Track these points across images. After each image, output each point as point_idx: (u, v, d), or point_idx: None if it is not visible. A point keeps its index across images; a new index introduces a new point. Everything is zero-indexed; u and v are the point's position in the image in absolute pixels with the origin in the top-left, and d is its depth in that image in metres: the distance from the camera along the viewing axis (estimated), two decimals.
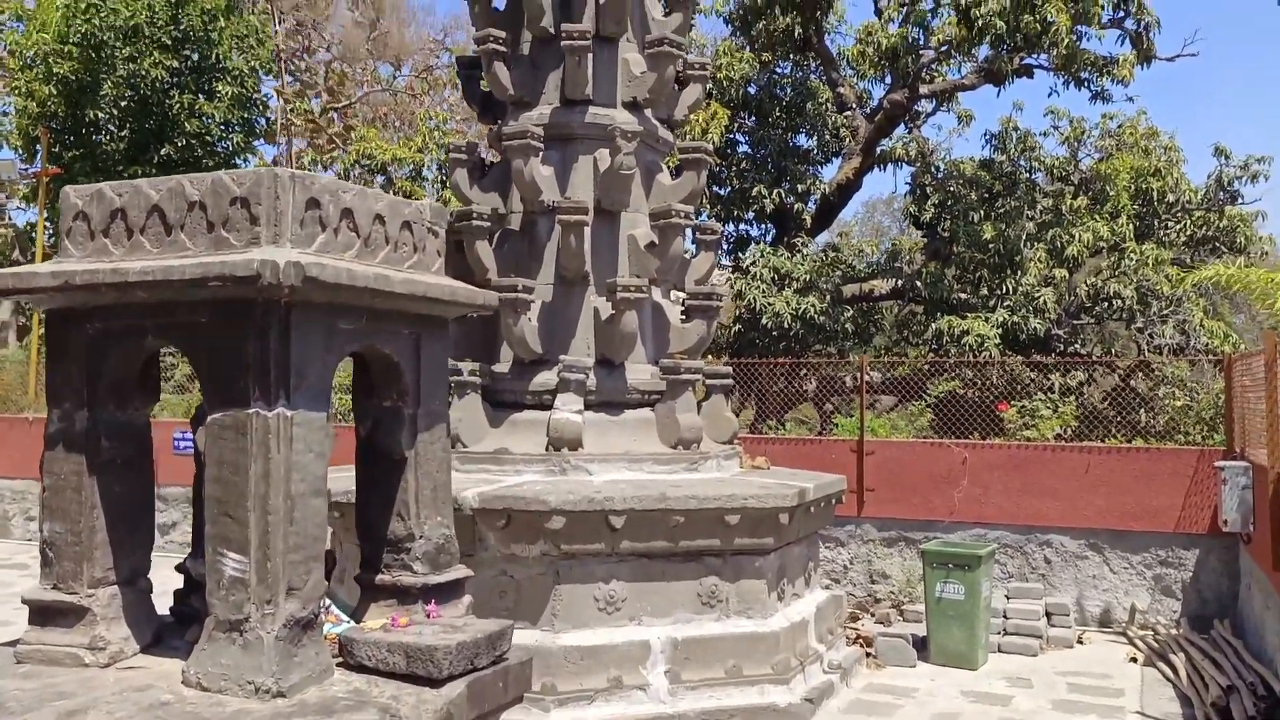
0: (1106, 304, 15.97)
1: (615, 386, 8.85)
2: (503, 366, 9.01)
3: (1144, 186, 17.36)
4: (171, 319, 3.03)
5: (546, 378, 8.73)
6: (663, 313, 9.27)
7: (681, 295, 9.44)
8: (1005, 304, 15.85)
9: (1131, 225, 16.69)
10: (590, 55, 8.93)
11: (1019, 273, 16.15)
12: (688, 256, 9.81)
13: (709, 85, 17.94)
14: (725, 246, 19.46)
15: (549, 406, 8.60)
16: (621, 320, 8.63)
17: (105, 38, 17.52)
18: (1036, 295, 15.64)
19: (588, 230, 8.83)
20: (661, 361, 8.95)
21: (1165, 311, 16.00)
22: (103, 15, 17.50)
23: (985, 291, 16.42)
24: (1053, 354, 15.60)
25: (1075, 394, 14.33)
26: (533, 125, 8.84)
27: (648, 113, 9.40)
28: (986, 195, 17.77)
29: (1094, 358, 15.62)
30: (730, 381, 9.77)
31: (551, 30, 9.03)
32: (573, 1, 9.17)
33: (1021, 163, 18.43)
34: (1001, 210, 17.14)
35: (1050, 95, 17.69)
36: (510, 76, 9.14)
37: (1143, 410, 13.10)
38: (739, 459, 9.40)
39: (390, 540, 3.50)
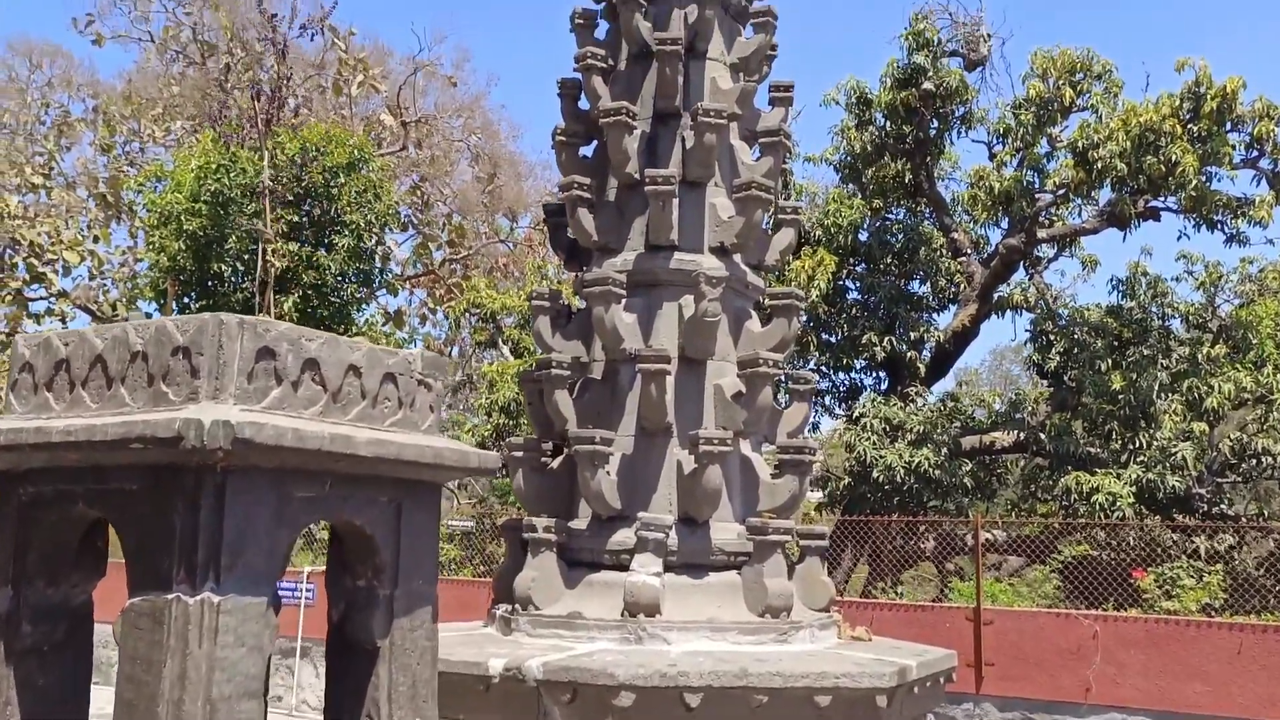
0: (1255, 461, 14.62)
1: (698, 547, 8.21)
2: (580, 523, 8.49)
3: None
4: (103, 485, 2.67)
5: (625, 536, 8.16)
6: (751, 468, 8.67)
7: (772, 449, 8.85)
8: (1139, 460, 14.66)
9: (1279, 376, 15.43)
10: (675, 200, 8.64)
11: (1153, 426, 14.98)
12: (780, 408, 9.24)
13: (817, 231, 17.77)
14: (836, 396, 18.82)
15: (627, 567, 8.02)
16: (705, 475, 8.05)
17: (233, 195, 18.34)
18: (1173, 450, 14.43)
19: (670, 379, 8.37)
20: (749, 520, 8.30)
21: None
22: (232, 175, 18.37)
23: (1116, 446, 15.26)
24: (1195, 515, 14.27)
25: (1223, 560, 12.97)
26: (615, 271, 8.55)
27: (736, 258, 9.02)
28: (1115, 343, 16.76)
29: (1245, 520, 14.23)
30: (825, 543, 9.03)
31: (636, 176, 8.81)
32: (659, 146, 8.97)
33: (1153, 309, 17.43)
34: (1132, 359, 16.10)
35: (1180, 239, 16.77)
36: (594, 222, 8.92)
37: None
38: (836, 628, 8.57)
39: None
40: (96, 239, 25.00)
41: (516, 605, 8.23)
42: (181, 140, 18.12)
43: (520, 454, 8.83)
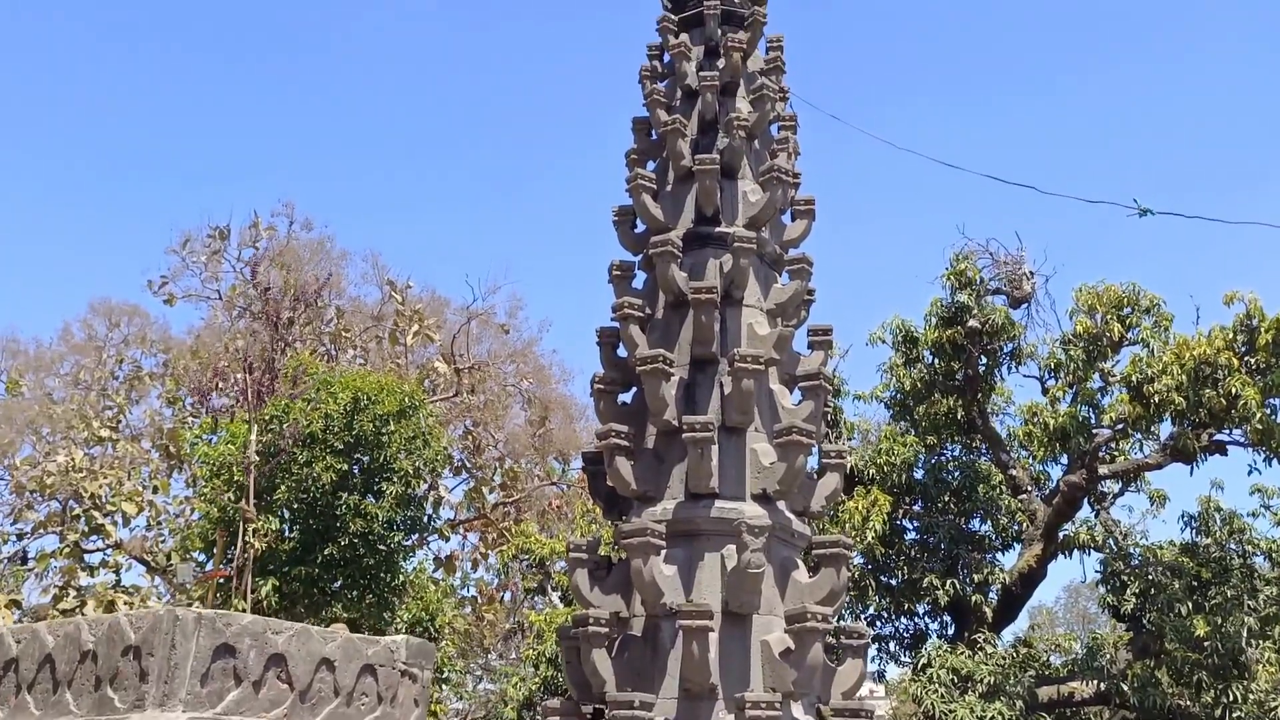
0: None
1: None
2: None
3: None
4: None
5: None
6: None
7: (825, 709, 8.23)
8: (1235, 715, 13.51)
9: None
10: (715, 446, 8.47)
11: (1246, 677, 13.90)
12: (833, 666, 8.66)
13: (870, 470, 17.41)
14: (899, 642, 17.89)
15: None
16: None
17: (285, 445, 18.54)
18: (1273, 705, 13.29)
19: (714, 636, 7.93)
20: None
21: None
22: (284, 425, 18.64)
23: (1209, 699, 14.12)
24: None
25: None
26: (653, 521, 8.27)
27: (780, 505, 8.72)
28: (1194, 584, 15.85)
29: None
30: None
31: (675, 422, 8.68)
32: (697, 393, 8.89)
33: (1231, 546, 16.59)
34: (1215, 601, 15.16)
35: (1250, 473, 16.16)
36: (633, 471, 8.73)
37: None
38: None
39: None
40: (156, 489, 25.34)
41: None
42: (242, 394, 18.54)
43: (557, 718, 8.31)
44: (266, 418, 18.61)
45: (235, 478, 18.44)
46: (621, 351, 9.38)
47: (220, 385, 20.07)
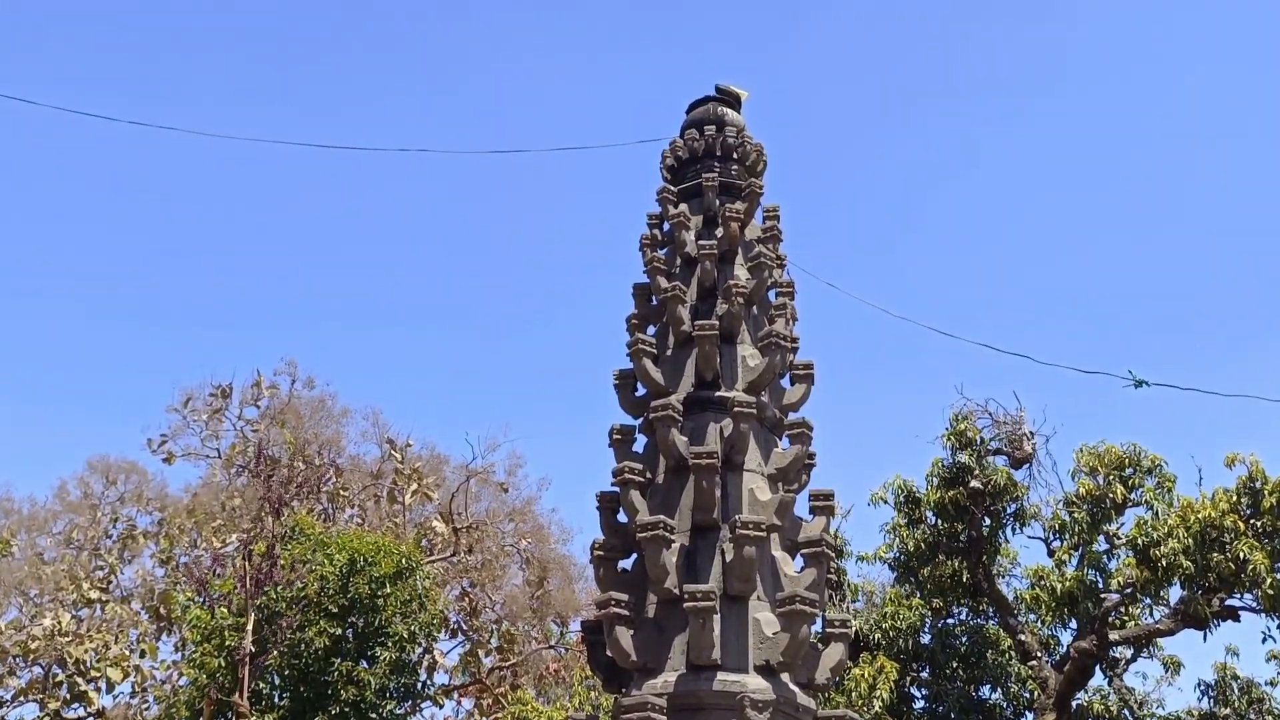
0: None
1: None
2: None
3: None
4: None
5: None
6: None
7: None
8: None
9: None
10: (716, 616, 8.29)
11: None
12: None
13: (876, 635, 17.02)
14: None
15: None
16: None
17: (279, 608, 18.18)
18: None
19: None
20: None
21: None
22: (279, 588, 18.32)
23: None
24: None
25: None
26: (654, 695, 8.02)
27: (784, 677, 8.47)
28: None
29: None
30: None
31: (676, 591, 8.52)
32: (698, 560, 8.75)
33: (1251, 716, 16.06)
34: None
35: (1265, 640, 15.76)
36: (633, 641, 8.52)
37: None
38: None
39: None
40: (143, 653, 24.72)
41: None
42: (240, 581, 18.27)
43: None
44: (262, 582, 18.32)
45: (226, 643, 18.02)
46: (622, 517, 9.29)
47: (219, 571, 19.86)
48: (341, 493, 25.50)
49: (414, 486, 25.79)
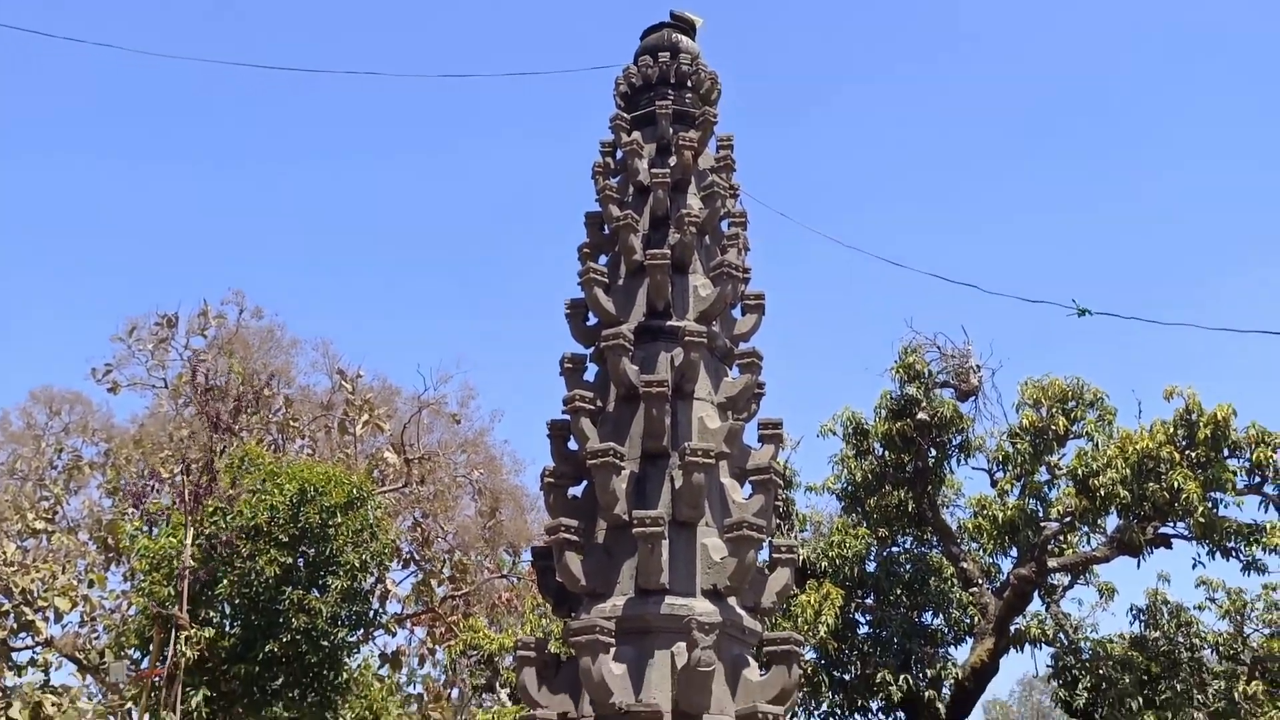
0: None
1: None
2: None
3: None
4: None
5: None
6: None
7: None
8: None
9: None
10: (665, 541, 8.41)
11: None
12: None
13: (823, 563, 17.35)
14: None
15: None
16: None
17: (228, 537, 18.09)
18: None
19: None
20: None
21: None
22: (229, 518, 18.22)
23: None
24: None
25: None
26: (603, 618, 8.14)
27: (731, 601, 8.64)
28: (1144, 678, 15.86)
29: None
30: None
31: (625, 517, 8.62)
32: (647, 487, 8.84)
33: (1179, 640, 16.66)
34: (1165, 696, 15.17)
35: (1195, 566, 16.28)
36: (582, 566, 8.62)
37: None
38: None
39: None
40: (91, 583, 24.54)
41: None
42: (179, 495, 18.09)
43: None
44: (210, 510, 18.20)
45: (175, 571, 17.91)
46: (572, 444, 9.34)
47: (156, 487, 19.61)
48: (291, 423, 25.29)
49: (365, 417, 25.65)
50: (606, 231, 9.96)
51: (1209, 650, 16.91)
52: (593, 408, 9.10)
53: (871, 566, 18.19)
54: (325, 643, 19.02)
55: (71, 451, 28.26)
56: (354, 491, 19.22)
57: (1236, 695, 14.94)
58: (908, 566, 18.27)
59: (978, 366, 18.19)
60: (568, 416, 9.21)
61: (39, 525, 24.92)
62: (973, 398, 17.89)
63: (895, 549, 18.72)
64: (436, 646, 25.99)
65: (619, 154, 10.31)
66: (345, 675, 19.36)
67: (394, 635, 26.25)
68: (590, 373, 9.68)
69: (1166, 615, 16.65)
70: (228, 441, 19.37)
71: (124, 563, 24.85)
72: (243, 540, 18.27)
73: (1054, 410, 16.62)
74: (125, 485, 24.46)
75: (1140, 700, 14.97)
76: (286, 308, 62.72)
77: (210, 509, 18.02)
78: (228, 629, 18.76)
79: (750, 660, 8.66)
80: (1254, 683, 15.20)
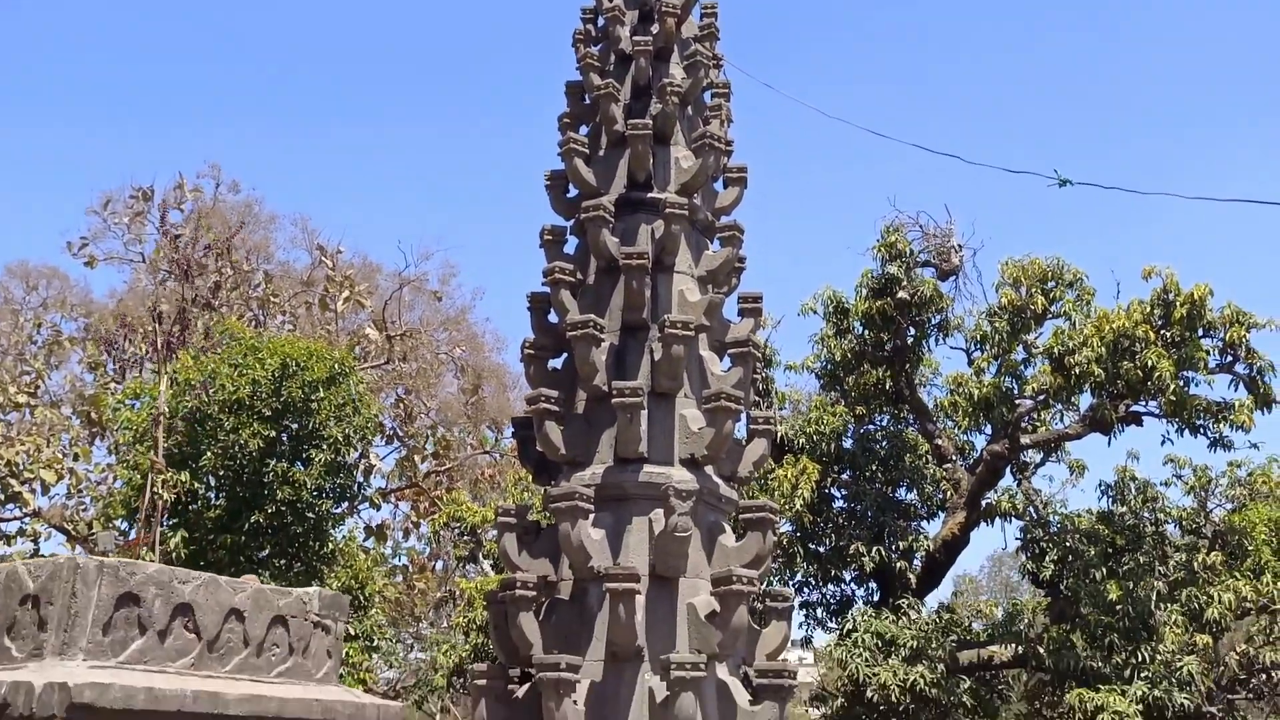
0: (1265, 676, 13.96)
1: None
2: None
3: None
4: None
5: None
6: (728, 694, 8.14)
7: (750, 670, 8.34)
8: (1143, 675, 13.99)
9: None
10: (644, 412, 8.50)
11: (1155, 639, 14.39)
12: (758, 628, 8.79)
13: (800, 439, 17.61)
14: (826, 609, 18.21)
15: None
16: (678, 704, 7.55)
17: (211, 411, 18.18)
18: (1178, 665, 13.80)
19: (640, 599, 7.99)
20: None
21: None
22: (211, 391, 18.27)
23: (1119, 660, 14.60)
24: None
25: None
26: (582, 485, 8.29)
27: (708, 470, 8.80)
28: (1109, 550, 16.34)
29: None
30: None
31: (604, 388, 8.69)
32: (627, 359, 8.90)
33: (1145, 515, 17.11)
34: (1128, 567, 15.65)
35: (1164, 443, 16.61)
36: (562, 436, 8.74)
37: None
38: None
39: None
40: (77, 456, 24.71)
41: None
42: (151, 345, 18.06)
43: (484, 681, 8.32)
44: (193, 382, 18.23)
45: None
46: (552, 317, 9.36)
47: (129, 336, 19.49)
48: (272, 299, 25.18)
49: (346, 294, 25.53)
50: (587, 101, 9.79)
51: (1173, 525, 17.40)
52: (573, 280, 9.09)
53: (848, 443, 18.46)
54: (310, 514, 19.32)
55: (51, 327, 28.13)
56: (336, 366, 19.26)
57: (1196, 566, 15.43)
58: (884, 443, 18.56)
59: (959, 246, 18.17)
60: (548, 289, 9.20)
61: (21, 399, 24.94)
62: (953, 277, 17.93)
63: (872, 426, 18.98)
64: (420, 520, 26.45)
65: (600, 21, 10.07)
66: (331, 546, 19.74)
67: (378, 509, 26.69)
68: (571, 245, 9.65)
69: (1134, 491, 17.05)
70: (194, 299, 19.19)
71: (108, 436, 25.00)
72: (225, 414, 18.39)
73: (1033, 290, 16.69)
74: (98, 338, 24.29)
75: (1104, 571, 15.45)
76: (264, 182, 61.68)
77: (194, 380, 18.05)
78: (213, 501, 19.03)
79: (726, 527, 8.87)
80: (1213, 554, 15.70)
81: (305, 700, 2.62)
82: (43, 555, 22.89)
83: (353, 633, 19.02)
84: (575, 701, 7.72)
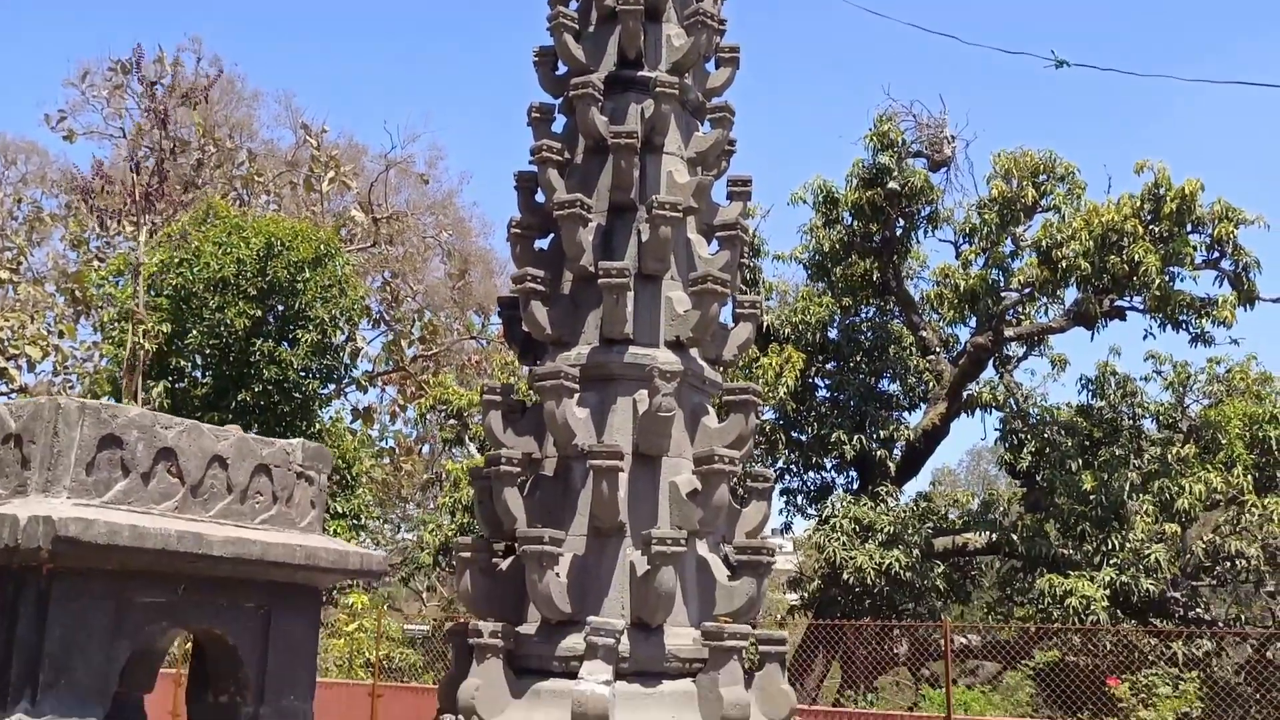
0: (1229, 564, 14.35)
1: (651, 654, 7.84)
2: (529, 628, 8.12)
3: (1260, 435, 15.95)
4: None
5: (575, 641, 7.78)
6: (708, 569, 8.34)
7: (729, 547, 8.53)
8: (1112, 562, 14.37)
9: (1250, 476, 15.22)
10: (630, 293, 8.48)
11: (1125, 528, 14.73)
12: (738, 507, 8.95)
13: (786, 329, 17.68)
14: (806, 495, 18.53)
15: (577, 674, 7.61)
16: (658, 577, 7.72)
17: (195, 289, 18.12)
18: (1146, 553, 14.16)
19: (624, 477, 8.10)
20: (705, 625, 7.95)
21: None
22: (196, 269, 18.18)
23: (1089, 548, 14.97)
24: (1171, 619, 13.92)
25: (1201, 667, 12.59)
26: (568, 365, 8.32)
27: (693, 352, 8.83)
28: (1086, 443, 16.60)
29: (1223, 625, 13.88)
30: (785, 649, 8.65)
31: (591, 269, 8.66)
32: (614, 240, 8.84)
33: (1123, 409, 17.34)
34: (1103, 459, 15.92)
35: (1146, 339, 16.72)
36: (548, 316, 8.73)
37: None
38: None
39: None
40: (61, 334, 24.65)
41: (460, 715, 7.81)
42: (149, 235, 17.91)
43: (468, 554, 8.47)
44: (177, 261, 18.13)
45: (143, 323, 18.01)
46: (540, 196, 9.26)
47: (106, 188, 19.27)
48: (256, 178, 24.85)
49: (331, 174, 25.22)
50: None
51: (1150, 420, 17.65)
52: (560, 159, 8.97)
53: (834, 333, 18.56)
54: (297, 394, 19.46)
55: (31, 203, 27.74)
56: (322, 247, 19.16)
57: (1170, 458, 15.70)
58: (868, 334, 18.66)
59: (952, 137, 17.99)
60: (535, 168, 9.09)
61: (3, 275, 24.76)
62: (945, 168, 17.78)
63: (857, 317, 19.05)
64: (407, 404, 26.64)
65: None
66: (318, 426, 19.90)
67: (365, 393, 26.86)
68: (559, 124, 9.49)
69: (1114, 386, 17.22)
70: (174, 149, 18.89)
71: (93, 314, 24.92)
72: (210, 293, 18.35)
73: (1025, 183, 16.59)
74: (77, 184, 23.94)
75: (1080, 462, 15.72)
76: (247, 58, 60.21)
77: (178, 260, 17.96)
78: (200, 379, 19.12)
79: (709, 409, 8.95)
80: (1187, 446, 15.96)
81: (289, 545, 2.67)
82: None
83: (340, 511, 19.34)
84: (558, 574, 7.90)
